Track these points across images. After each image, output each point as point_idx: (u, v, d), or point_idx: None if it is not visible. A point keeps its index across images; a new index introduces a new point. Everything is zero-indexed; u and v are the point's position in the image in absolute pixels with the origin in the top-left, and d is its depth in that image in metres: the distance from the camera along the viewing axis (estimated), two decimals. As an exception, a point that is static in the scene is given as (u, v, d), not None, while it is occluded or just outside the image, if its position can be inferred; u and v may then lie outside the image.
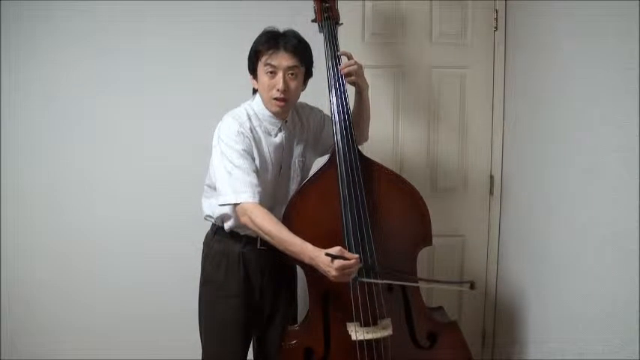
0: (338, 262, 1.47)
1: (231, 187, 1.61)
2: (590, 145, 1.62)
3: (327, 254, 1.47)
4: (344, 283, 1.59)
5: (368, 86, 1.82)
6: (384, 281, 1.67)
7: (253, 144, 1.69)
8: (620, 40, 1.48)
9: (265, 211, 1.59)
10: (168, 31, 2.25)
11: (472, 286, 1.62)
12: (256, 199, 1.60)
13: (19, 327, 2.33)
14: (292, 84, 1.68)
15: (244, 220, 1.60)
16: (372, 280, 1.63)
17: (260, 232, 1.59)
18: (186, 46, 2.26)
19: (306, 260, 1.52)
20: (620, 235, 1.47)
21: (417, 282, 1.75)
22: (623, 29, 1.45)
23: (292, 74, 1.67)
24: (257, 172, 1.66)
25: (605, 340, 1.53)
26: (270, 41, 1.67)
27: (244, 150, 1.65)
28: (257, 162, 1.69)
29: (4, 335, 2.32)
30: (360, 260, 1.53)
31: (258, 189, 1.62)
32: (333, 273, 1.47)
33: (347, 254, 1.49)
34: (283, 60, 1.66)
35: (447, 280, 1.77)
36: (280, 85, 1.65)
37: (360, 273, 1.59)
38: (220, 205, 1.65)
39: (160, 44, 2.26)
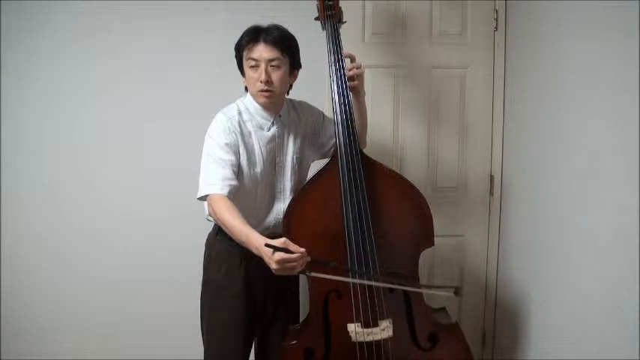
0: (278, 255, 1.40)
1: (204, 181, 1.64)
2: (590, 145, 1.62)
3: (267, 245, 1.40)
4: (345, 283, 1.58)
5: (365, 93, 1.83)
6: (338, 278, 1.55)
7: (240, 138, 1.70)
8: (620, 40, 1.48)
9: (228, 202, 1.57)
10: (168, 31, 2.25)
11: (457, 292, 1.59)
12: (224, 192, 1.59)
13: (19, 327, 2.33)
14: (274, 75, 1.68)
15: (210, 211, 1.61)
16: (324, 276, 1.52)
17: (219, 222, 1.60)
18: (187, 46, 2.26)
19: (254, 250, 1.48)
20: (620, 235, 1.47)
21: (398, 285, 1.67)
22: (623, 29, 1.45)
23: (274, 66, 1.67)
24: (236, 165, 1.66)
25: (605, 340, 1.53)
26: (251, 35, 1.68)
27: (226, 143, 1.66)
28: (244, 156, 1.70)
29: (4, 335, 2.31)
30: (309, 256, 1.44)
31: (230, 182, 1.62)
32: (273, 266, 1.41)
33: (292, 247, 1.41)
34: (264, 52, 1.66)
35: (430, 285, 1.71)
36: (262, 77, 1.66)
37: (311, 267, 1.47)
38: (197, 199, 1.65)
39: (159, 44, 2.26)
